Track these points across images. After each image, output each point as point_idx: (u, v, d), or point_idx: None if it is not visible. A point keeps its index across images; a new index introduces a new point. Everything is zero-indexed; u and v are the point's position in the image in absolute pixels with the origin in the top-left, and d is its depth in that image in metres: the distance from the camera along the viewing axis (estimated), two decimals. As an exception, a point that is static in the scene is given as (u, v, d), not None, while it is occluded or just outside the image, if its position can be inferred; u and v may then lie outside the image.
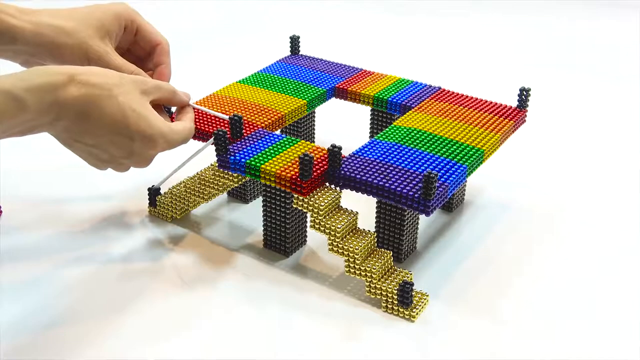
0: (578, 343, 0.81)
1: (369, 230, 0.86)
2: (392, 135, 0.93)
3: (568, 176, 1.16)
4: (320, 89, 1.08)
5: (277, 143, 0.91)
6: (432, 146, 0.91)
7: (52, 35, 0.84)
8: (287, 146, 0.90)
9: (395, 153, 0.89)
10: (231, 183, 0.93)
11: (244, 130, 0.93)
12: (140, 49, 0.95)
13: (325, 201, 0.84)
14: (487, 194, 1.10)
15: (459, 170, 0.86)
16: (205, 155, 1.00)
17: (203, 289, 0.88)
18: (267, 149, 0.89)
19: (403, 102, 1.04)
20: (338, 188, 0.86)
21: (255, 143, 0.91)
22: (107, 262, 0.92)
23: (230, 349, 0.78)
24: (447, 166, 0.86)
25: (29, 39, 0.83)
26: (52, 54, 0.85)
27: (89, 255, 0.93)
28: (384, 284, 0.83)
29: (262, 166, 0.85)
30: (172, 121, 0.87)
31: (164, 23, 1.91)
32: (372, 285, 0.83)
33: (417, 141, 0.92)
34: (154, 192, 1.01)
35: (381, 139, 0.93)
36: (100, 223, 1.00)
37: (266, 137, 0.92)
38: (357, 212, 0.86)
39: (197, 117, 0.97)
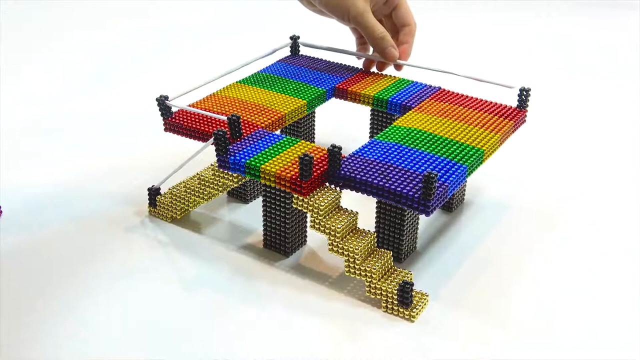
0: (578, 343, 0.80)
1: (369, 231, 0.86)
2: (392, 136, 0.93)
3: (568, 176, 1.16)
4: (320, 89, 1.08)
5: (277, 143, 0.91)
6: (432, 146, 0.91)
7: None
8: (287, 146, 0.90)
9: (395, 153, 0.89)
10: (231, 183, 0.93)
11: (243, 131, 0.93)
12: (391, 24, 1.07)
13: (325, 201, 0.83)
14: (487, 193, 1.10)
15: (459, 171, 0.86)
16: (205, 155, 0.99)
17: (203, 290, 0.88)
18: (267, 149, 0.89)
19: (403, 102, 1.04)
20: (338, 188, 0.86)
21: (255, 143, 0.91)
22: (107, 262, 0.92)
23: (230, 349, 0.78)
24: (447, 166, 0.86)
25: None
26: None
27: (88, 256, 0.93)
28: (384, 284, 0.83)
29: (262, 166, 0.85)
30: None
31: (164, 23, 1.91)
32: (372, 285, 0.83)
33: (417, 141, 0.92)
34: (154, 193, 1.01)
35: (381, 139, 0.93)
36: (100, 223, 1.00)
37: (266, 137, 0.92)
38: (357, 212, 0.86)
39: (195, 118, 0.97)
